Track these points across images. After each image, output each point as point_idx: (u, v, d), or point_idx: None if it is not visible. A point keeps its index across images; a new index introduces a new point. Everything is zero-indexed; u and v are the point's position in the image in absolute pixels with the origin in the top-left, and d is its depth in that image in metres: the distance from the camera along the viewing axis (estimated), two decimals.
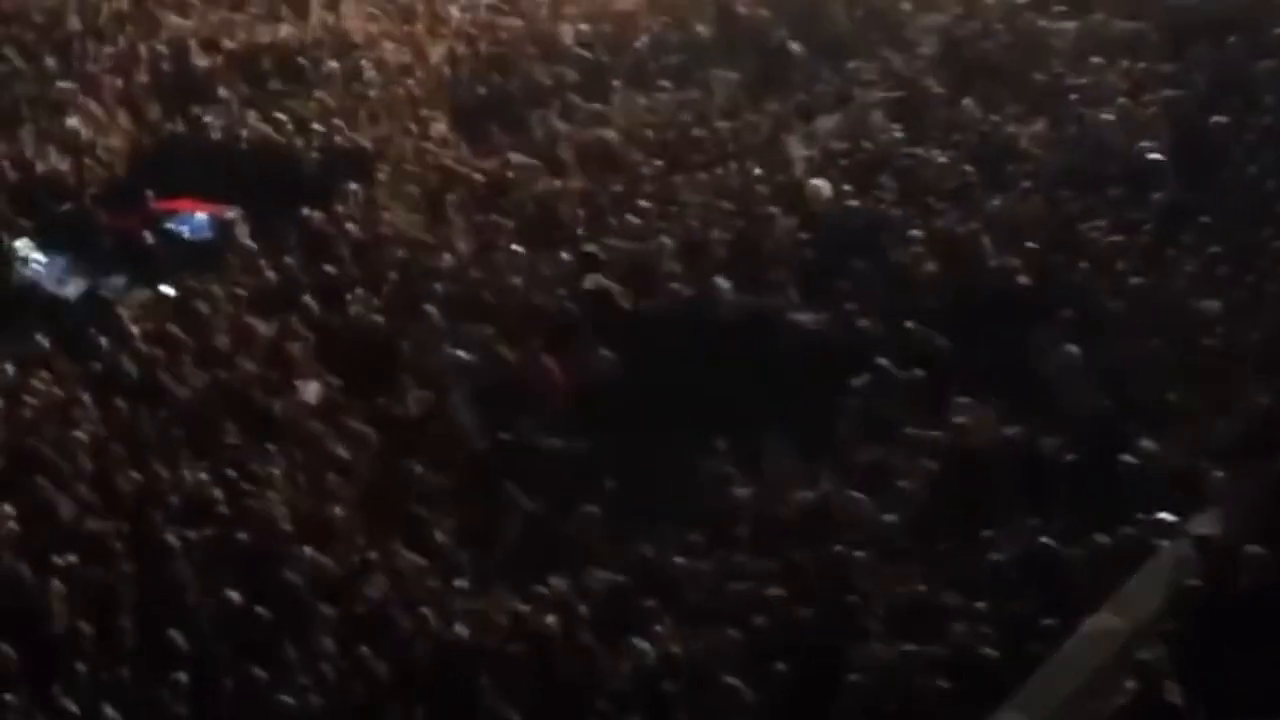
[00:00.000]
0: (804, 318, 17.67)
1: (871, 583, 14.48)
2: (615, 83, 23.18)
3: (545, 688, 14.14)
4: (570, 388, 17.42)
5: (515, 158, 21.45)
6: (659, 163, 20.98)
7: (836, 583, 14.51)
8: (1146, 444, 15.27)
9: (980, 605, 14.00)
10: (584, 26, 24.61)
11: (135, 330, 18.73)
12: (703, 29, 24.23)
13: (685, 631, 14.31)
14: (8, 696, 14.20)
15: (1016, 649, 13.55)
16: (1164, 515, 14.36)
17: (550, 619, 14.56)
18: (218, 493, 16.13)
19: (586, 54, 23.87)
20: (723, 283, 18.02)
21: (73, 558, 15.39)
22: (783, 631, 14.18)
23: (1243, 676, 12.27)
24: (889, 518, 15.17)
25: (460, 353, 17.64)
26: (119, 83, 23.66)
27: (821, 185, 19.64)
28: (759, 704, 13.64)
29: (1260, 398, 15.13)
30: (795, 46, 23.26)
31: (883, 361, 16.65)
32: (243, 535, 15.65)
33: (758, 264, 18.57)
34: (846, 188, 19.59)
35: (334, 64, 23.86)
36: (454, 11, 25.54)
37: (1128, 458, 15.16)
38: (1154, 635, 13.15)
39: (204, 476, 16.37)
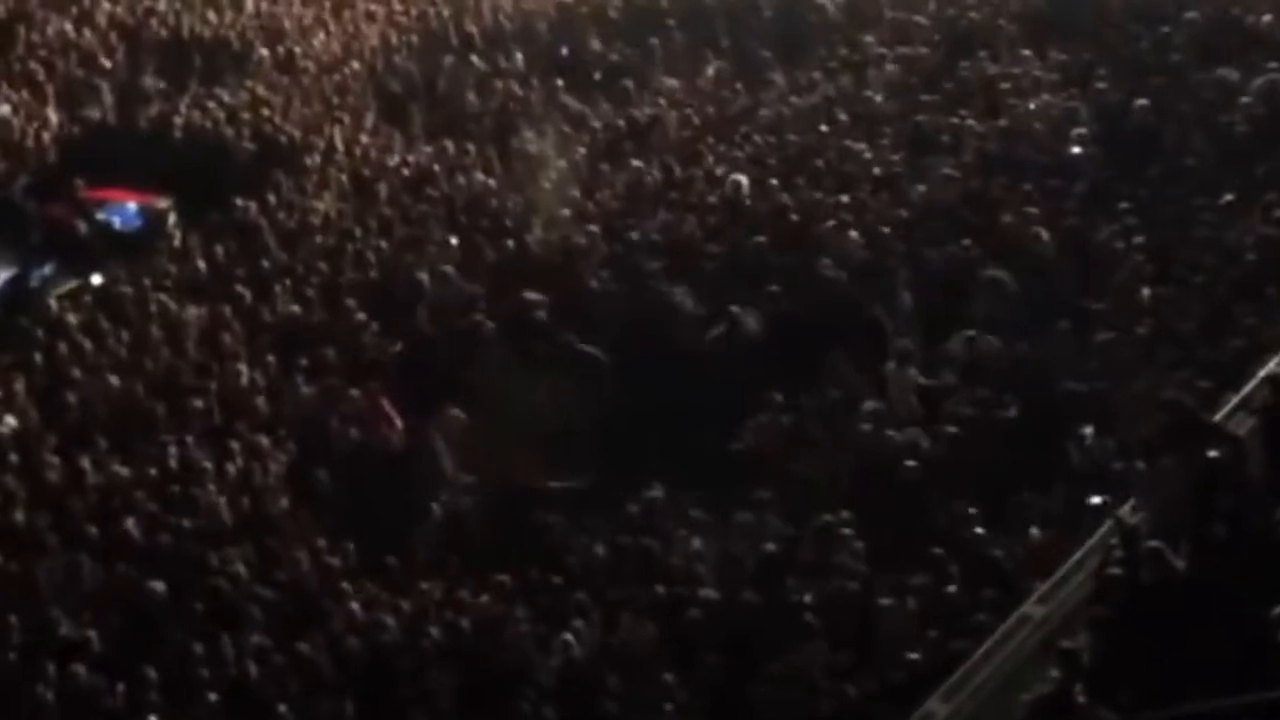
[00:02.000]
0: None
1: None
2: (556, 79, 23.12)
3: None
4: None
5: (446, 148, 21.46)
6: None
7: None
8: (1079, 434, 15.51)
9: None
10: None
11: (67, 319, 18.68)
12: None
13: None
14: None
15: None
16: (1095, 499, 14.62)
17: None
18: (142, 486, 16.15)
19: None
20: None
21: None
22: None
23: (1162, 664, 12.39)
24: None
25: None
26: (50, 71, 23.46)
27: (741, 180, 19.75)
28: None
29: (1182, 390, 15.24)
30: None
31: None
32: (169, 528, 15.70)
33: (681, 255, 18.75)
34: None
35: (265, 52, 23.76)
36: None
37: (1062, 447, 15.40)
38: (1078, 623, 13.28)
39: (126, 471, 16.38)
